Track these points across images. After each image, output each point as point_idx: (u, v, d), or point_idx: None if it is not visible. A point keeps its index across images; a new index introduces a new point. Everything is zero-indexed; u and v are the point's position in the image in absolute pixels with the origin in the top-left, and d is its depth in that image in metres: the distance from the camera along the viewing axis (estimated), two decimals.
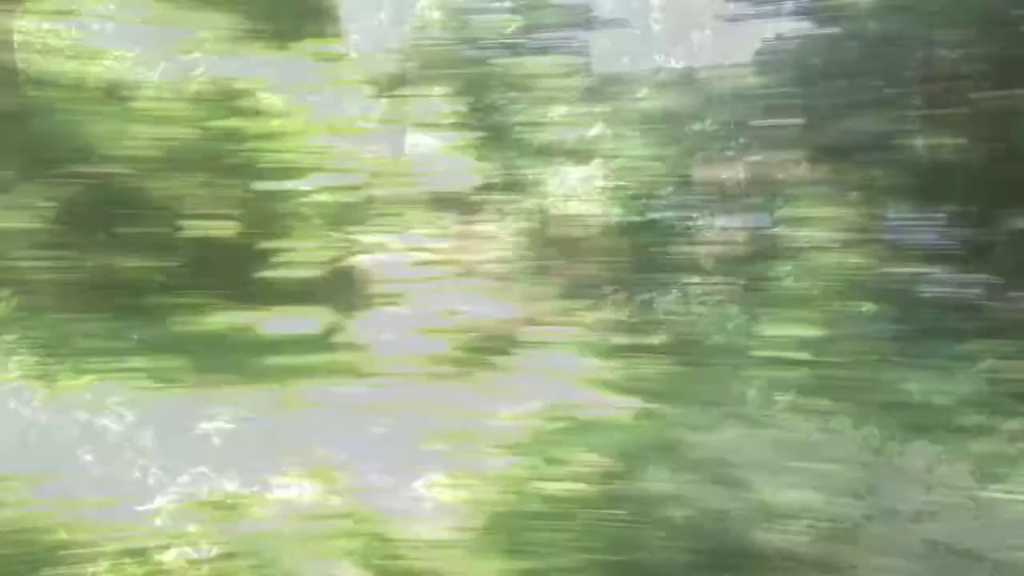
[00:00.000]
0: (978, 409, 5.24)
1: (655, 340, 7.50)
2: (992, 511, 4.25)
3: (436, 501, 4.39)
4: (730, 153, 11.06)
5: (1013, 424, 4.86)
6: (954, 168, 9.89)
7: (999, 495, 4.34)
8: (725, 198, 11.14)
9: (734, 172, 11.23)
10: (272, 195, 6.93)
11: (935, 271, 8.84)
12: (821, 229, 9.39)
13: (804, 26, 11.16)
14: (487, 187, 10.89)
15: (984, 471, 4.55)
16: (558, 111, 14.77)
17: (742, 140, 11.11)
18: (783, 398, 5.73)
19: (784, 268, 8.79)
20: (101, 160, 6.68)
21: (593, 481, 4.66)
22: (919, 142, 10.36)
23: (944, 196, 9.82)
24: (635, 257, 9.66)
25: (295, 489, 4.38)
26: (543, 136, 14.02)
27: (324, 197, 7.21)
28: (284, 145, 6.98)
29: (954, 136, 10.19)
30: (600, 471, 4.81)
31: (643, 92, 16.49)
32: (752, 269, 9.07)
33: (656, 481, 4.62)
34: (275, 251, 6.72)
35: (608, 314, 8.51)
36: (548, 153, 14.06)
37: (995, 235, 9.17)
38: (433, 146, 11.42)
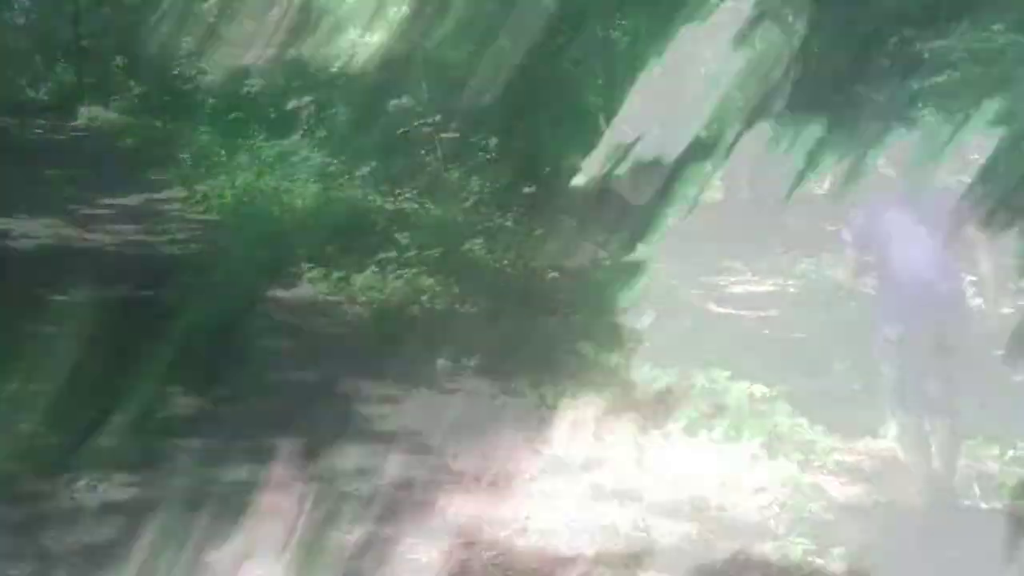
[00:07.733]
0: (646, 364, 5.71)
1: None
2: (652, 456, 4.64)
3: None
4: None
5: (670, 375, 5.35)
6: None
7: (659, 440, 4.75)
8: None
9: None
10: None
11: None
12: None
13: None
14: None
15: (646, 420, 4.96)
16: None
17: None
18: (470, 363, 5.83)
19: None
20: None
21: None
22: None
23: None
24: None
25: None
26: None
27: None
28: None
29: None
30: None
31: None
32: None
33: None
34: None
35: None
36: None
37: None
38: None
